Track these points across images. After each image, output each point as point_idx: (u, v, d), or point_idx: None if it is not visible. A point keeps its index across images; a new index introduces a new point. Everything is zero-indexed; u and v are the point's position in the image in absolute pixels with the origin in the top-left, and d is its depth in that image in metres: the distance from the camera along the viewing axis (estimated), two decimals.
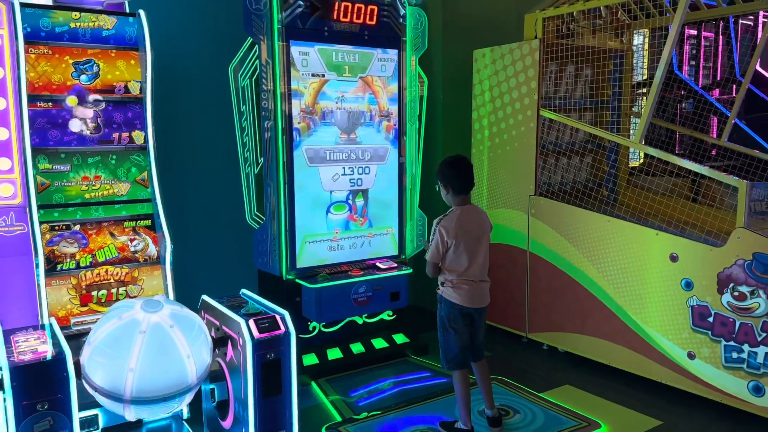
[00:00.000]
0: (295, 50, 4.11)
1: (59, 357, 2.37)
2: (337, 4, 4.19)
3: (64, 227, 3.52)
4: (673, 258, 3.91)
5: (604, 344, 4.36)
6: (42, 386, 2.30)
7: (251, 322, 2.73)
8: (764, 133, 5.92)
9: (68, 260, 3.48)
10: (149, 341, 2.53)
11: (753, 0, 4.57)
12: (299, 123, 4.18)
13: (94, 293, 3.50)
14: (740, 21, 6.57)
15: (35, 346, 2.49)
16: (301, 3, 4.06)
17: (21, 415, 2.25)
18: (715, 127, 6.23)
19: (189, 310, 2.79)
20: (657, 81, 4.01)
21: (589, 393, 4.09)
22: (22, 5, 3.35)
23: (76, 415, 2.38)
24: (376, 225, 4.64)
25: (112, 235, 3.63)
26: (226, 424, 3.02)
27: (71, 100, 3.49)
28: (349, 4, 4.24)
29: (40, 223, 3.37)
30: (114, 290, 3.56)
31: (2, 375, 2.46)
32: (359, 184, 4.52)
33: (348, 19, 4.26)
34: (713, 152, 5.78)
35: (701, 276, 3.77)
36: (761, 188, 3.99)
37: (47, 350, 2.42)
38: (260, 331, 2.71)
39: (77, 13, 3.53)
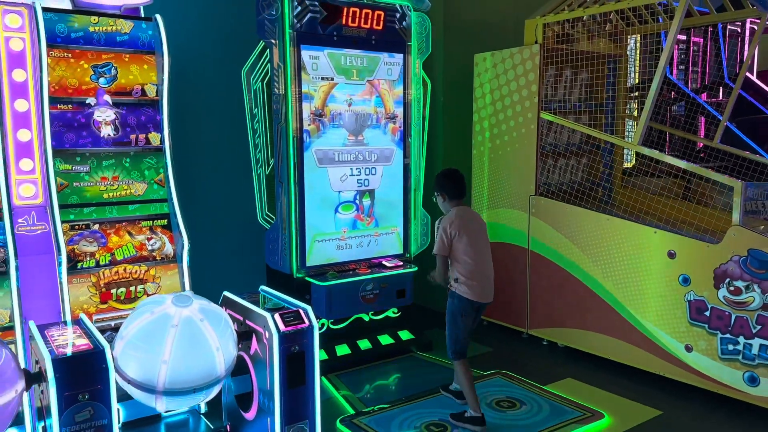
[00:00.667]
0: (306, 54, 4.23)
1: (99, 349, 2.46)
2: (345, 9, 4.31)
3: (83, 226, 3.60)
4: (671, 255, 4.07)
5: (604, 339, 4.52)
6: (83, 377, 2.39)
7: (277, 316, 2.84)
8: (753, 135, 6.14)
9: (88, 259, 3.56)
10: (181, 334, 2.62)
11: (743, 8, 4.77)
12: (309, 125, 4.30)
13: (113, 291, 3.59)
14: (728, 27, 6.80)
15: (72, 339, 2.58)
16: (312, 9, 4.17)
17: (63, 404, 2.34)
18: (703, 129, 6.45)
19: (215, 304, 2.89)
20: (654, 86, 4.17)
21: (591, 385, 4.25)
22: (44, 9, 3.42)
23: (115, 405, 2.48)
24: (382, 224, 4.76)
25: (129, 234, 3.72)
26: (249, 415, 3.11)
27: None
28: (357, 10, 4.36)
29: (61, 222, 3.45)
30: (132, 288, 3.65)
31: (39, 368, 2.55)
32: (366, 184, 4.64)
33: (356, 24, 4.39)
34: (702, 154, 5.98)
35: (698, 272, 3.94)
36: (754, 188, 4.18)
37: (86, 343, 2.51)
38: (286, 324, 2.82)
39: (95, 18, 3.62)
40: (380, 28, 4.52)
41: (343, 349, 4.57)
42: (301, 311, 2.93)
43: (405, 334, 4.87)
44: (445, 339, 3.76)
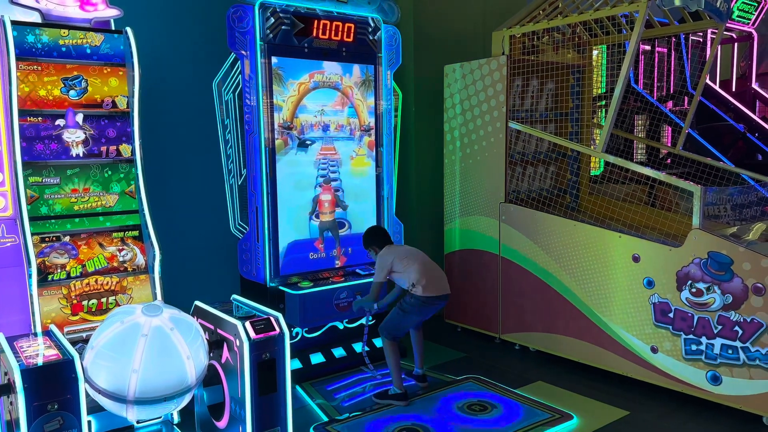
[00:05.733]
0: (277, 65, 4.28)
1: (68, 359, 2.47)
2: (316, 22, 4.38)
3: (54, 239, 3.60)
4: (635, 258, 4.18)
5: (573, 342, 4.62)
6: (52, 387, 2.40)
7: (247, 324, 2.88)
8: (716, 142, 6.33)
9: (59, 271, 3.56)
10: (151, 343, 2.64)
11: (702, 19, 4.95)
12: (278, 138, 4.34)
13: (84, 303, 3.58)
14: (690, 37, 7.01)
15: (41, 350, 2.59)
16: (284, 21, 4.24)
17: (32, 415, 2.35)
18: (669, 137, 6.64)
19: (186, 314, 2.92)
20: (617, 95, 4.30)
21: (561, 388, 4.33)
22: (13, 23, 3.44)
23: (84, 415, 2.49)
24: (355, 232, 4.80)
25: (101, 245, 3.72)
26: (221, 424, 3.14)
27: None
28: (328, 22, 4.43)
29: (31, 234, 3.44)
30: (104, 299, 3.65)
31: (7, 379, 2.56)
32: (340, 194, 4.69)
33: (327, 37, 4.46)
34: (668, 160, 6.15)
35: (661, 275, 4.05)
36: (714, 193, 4.32)
37: (56, 353, 2.52)
38: (256, 332, 2.86)
39: (66, 31, 3.64)
40: (351, 40, 4.59)
41: (317, 358, 4.60)
42: (272, 319, 2.97)
43: (379, 342, 4.90)
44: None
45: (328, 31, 4.46)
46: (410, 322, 4.15)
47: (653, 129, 6.13)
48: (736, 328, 3.75)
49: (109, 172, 3.77)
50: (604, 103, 6.02)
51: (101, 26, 3.80)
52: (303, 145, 4.47)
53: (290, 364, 3.52)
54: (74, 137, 3.65)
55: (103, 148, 3.76)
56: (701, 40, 7.22)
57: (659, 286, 4.07)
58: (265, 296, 4.34)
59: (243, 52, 4.20)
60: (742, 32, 7.50)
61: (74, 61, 3.66)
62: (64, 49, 3.64)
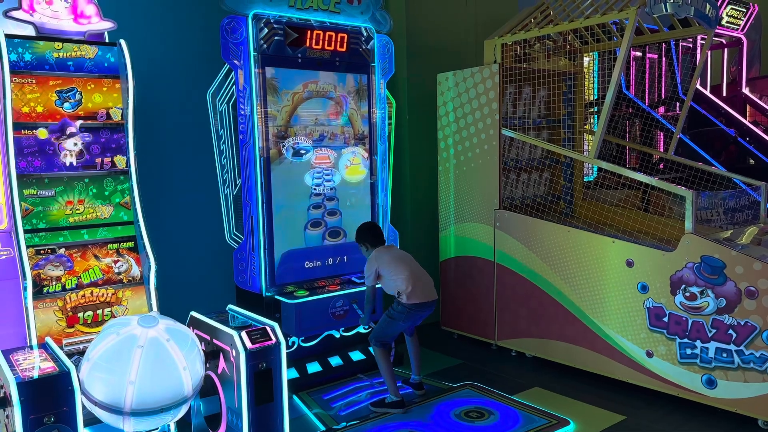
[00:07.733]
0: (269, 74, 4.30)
1: (64, 372, 2.47)
2: (310, 32, 4.41)
3: (49, 251, 3.59)
4: (629, 263, 4.21)
5: (569, 347, 4.63)
6: (48, 400, 2.40)
7: (243, 333, 2.88)
8: (708, 147, 6.38)
9: (54, 283, 3.55)
10: (147, 355, 2.65)
11: (691, 26, 5.00)
12: (273, 148, 4.36)
13: (80, 315, 3.58)
14: (680, 43, 7.07)
15: (38, 363, 2.58)
16: (278, 31, 4.26)
17: (29, 428, 2.34)
18: (662, 142, 6.68)
19: (182, 324, 2.92)
20: (608, 101, 4.34)
21: (557, 393, 4.35)
22: (7, 36, 3.45)
23: (81, 427, 2.49)
24: (351, 241, 4.82)
25: (96, 257, 3.72)
26: None
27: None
28: (321, 32, 4.46)
29: (26, 247, 3.44)
30: (99, 311, 3.64)
31: (3, 392, 2.55)
32: (335, 203, 4.71)
33: (320, 47, 4.48)
34: (661, 165, 6.20)
35: (655, 279, 4.08)
36: (707, 197, 4.35)
37: (52, 366, 2.52)
38: (252, 342, 2.86)
39: (60, 44, 3.65)
40: (344, 50, 4.62)
41: (314, 367, 4.60)
42: (268, 328, 2.98)
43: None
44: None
45: (321, 41, 4.49)
46: (398, 328, 4.18)
47: (645, 134, 6.17)
48: (730, 331, 3.77)
49: (104, 184, 3.78)
50: (596, 109, 6.06)
51: (95, 38, 3.81)
52: (297, 154, 4.49)
53: (287, 374, 3.55)
54: (73, 147, 3.65)
55: (98, 160, 3.76)
56: (691, 45, 7.29)
57: (653, 290, 4.09)
58: (261, 306, 4.34)
59: (237, 62, 4.23)
60: (732, 38, 7.58)
61: (68, 74, 3.66)
62: (58, 62, 3.64)
